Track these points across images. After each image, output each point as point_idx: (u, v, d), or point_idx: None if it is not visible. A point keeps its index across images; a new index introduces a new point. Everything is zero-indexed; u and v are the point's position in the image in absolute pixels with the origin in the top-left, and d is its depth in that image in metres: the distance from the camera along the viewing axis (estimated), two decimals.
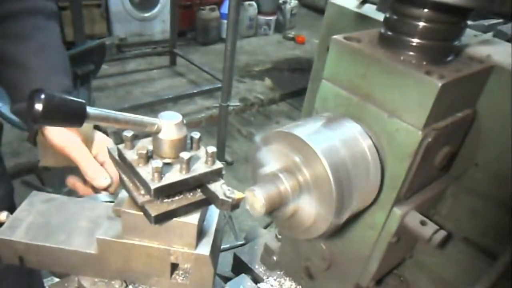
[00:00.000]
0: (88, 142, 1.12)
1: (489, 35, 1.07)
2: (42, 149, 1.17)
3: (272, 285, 1.15)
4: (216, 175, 0.71)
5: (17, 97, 1.12)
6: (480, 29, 1.10)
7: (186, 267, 0.78)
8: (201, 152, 0.72)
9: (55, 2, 1.20)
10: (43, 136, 1.10)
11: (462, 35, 0.80)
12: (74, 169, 1.08)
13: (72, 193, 1.25)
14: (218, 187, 0.70)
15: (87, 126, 1.10)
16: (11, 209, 0.84)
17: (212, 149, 0.70)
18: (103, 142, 1.14)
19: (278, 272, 1.18)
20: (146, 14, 6.00)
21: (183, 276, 0.79)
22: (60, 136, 1.06)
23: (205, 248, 0.74)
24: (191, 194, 0.72)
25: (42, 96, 0.55)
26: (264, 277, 1.17)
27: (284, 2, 7.55)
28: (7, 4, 1.09)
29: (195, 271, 0.76)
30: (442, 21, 0.75)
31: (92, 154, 1.10)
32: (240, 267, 1.24)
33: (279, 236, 1.19)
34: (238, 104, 5.11)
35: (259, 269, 1.20)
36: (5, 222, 0.80)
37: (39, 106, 0.55)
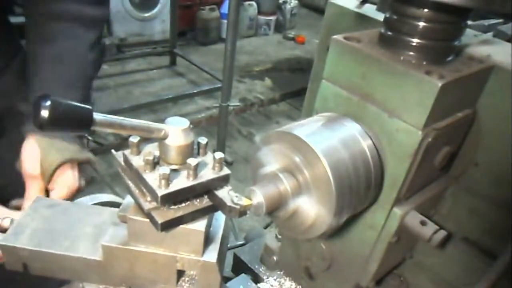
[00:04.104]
0: (45, 177, 1.09)
1: (489, 35, 1.07)
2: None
3: (272, 285, 1.15)
4: (223, 181, 0.70)
5: (26, 95, 1.12)
6: (480, 29, 1.10)
7: (192, 273, 0.78)
8: (208, 158, 0.71)
9: (103, 7, 1.17)
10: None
11: (462, 35, 0.80)
12: None
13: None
14: (226, 194, 0.69)
15: (50, 163, 1.08)
16: None
17: (220, 155, 0.69)
18: (64, 183, 1.10)
19: (278, 272, 1.18)
20: (146, 14, 6.00)
21: (189, 282, 0.78)
22: (26, 159, 1.09)
23: (212, 255, 0.74)
24: (198, 200, 0.71)
25: (48, 102, 0.53)
26: (264, 277, 1.17)
27: (284, 2, 7.54)
28: (49, 5, 1.08)
29: (201, 278, 0.76)
30: (442, 21, 0.75)
31: (48, 187, 1.09)
32: (240, 267, 1.23)
33: (279, 236, 1.19)
34: (238, 104, 5.10)
35: (259, 269, 1.20)
36: (9, 228, 0.80)
37: (45, 113, 0.53)
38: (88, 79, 1.20)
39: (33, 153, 1.07)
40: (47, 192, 1.10)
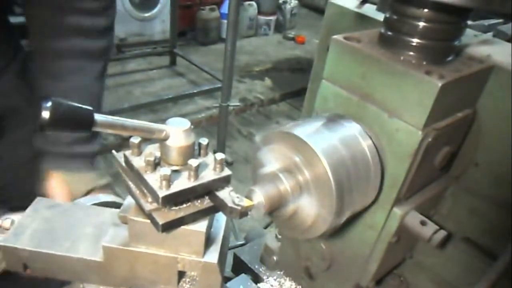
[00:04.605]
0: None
1: (489, 35, 1.07)
2: (43, 181, 1.22)
3: (272, 285, 1.15)
4: (224, 182, 0.70)
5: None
6: (480, 29, 1.10)
7: (193, 274, 0.78)
8: (209, 159, 0.71)
9: (108, 37, 1.20)
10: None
11: (462, 35, 0.80)
12: None
13: None
14: (227, 195, 0.69)
15: (80, 193, 1.16)
16: None
17: (221, 155, 0.69)
18: None
19: (278, 272, 1.18)
20: (146, 14, 5.99)
21: (190, 284, 0.78)
22: (55, 193, 1.15)
23: (213, 256, 0.73)
24: (199, 201, 0.71)
25: (49, 104, 0.54)
26: (264, 277, 1.17)
27: (284, 2, 7.54)
28: (53, 43, 1.10)
29: (202, 279, 0.75)
30: (442, 21, 0.75)
31: None
32: (240, 267, 1.23)
33: (279, 236, 1.19)
34: (238, 104, 5.10)
35: (259, 269, 1.20)
36: (9, 228, 0.80)
37: (46, 114, 0.53)
38: (98, 107, 1.24)
39: (59, 186, 1.16)
40: None
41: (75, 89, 1.16)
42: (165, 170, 0.63)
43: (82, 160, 1.20)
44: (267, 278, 1.17)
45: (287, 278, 1.16)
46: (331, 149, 0.74)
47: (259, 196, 0.73)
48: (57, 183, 1.16)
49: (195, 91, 4.96)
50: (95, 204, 0.97)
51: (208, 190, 0.69)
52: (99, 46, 1.17)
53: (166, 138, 0.66)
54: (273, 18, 7.47)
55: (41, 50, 1.14)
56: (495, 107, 0.82)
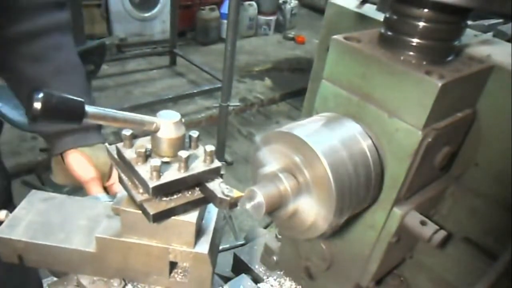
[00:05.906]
0: (105, 175, 1.18)
1: (489, 35, 1.07)
2: (56, 168, 1.23)
3: (272, 285, 1.15)
4: (214, 173, 0.71)
5: None
6: (480, 29, 1.11)
7: (185, 265, 0.79)
8: (200, 151, 0.73)
9: (66, 9, 1.18)
10: (62, 160, 1.17)
11: (462, 35, 0.80)
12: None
13: (72, 193, 1.25)
14: (217, 186, 0.70)
15: (105, 162, 1.16)
16: (7, 204, 0.84)
17: (210, 147, 0.70)
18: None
19: (278, 272, 1.18)
20: (146, 14, 6.00)
21: (182, 274, 0.79)
22: (79, 169, 1.15)
23: (203, 247, 0.75)
24: (190, 192, 0.72)
25: (41, 95, 0.55)
26: (264, 277, 1.17)
27: (284, 2, 7.55)
28: (19, 26, 1.09)
29: (193, 270, 0.77)
30: (442, 21, 0.75)
31: (109, 183, 1.19)
32: (240, 267, 1.24)
33: (279, 236, 1.19)
34: (238, 104, 5.10)
35: (259, 269, 1.20)
36: (4, 220, 0.81)
37: (37, 105, 0.55)
38: (86, 80, 1.24)
39: (81, 161, 1.16)
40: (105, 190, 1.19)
41: (63, 65, 1.15)
42: (156, 161, 0.65)
43: (95, 133, 1.19)
44: (267, 278, 1.17)
45: (287, 278, 1.16)
46: (331, 149, 0.74)
47: (259, 196, 0.73)
48: (75, 158, 1.15)
49: (195, 91, 4.97)
50: None
51: (198, 181, 0.70)
52: (64, 18, 1.17)
53: (156, 130, 0.67)
54: (273, 18, 7.47)
55: (14, 35, 1.10)
56: (495, 107, 0.82)
